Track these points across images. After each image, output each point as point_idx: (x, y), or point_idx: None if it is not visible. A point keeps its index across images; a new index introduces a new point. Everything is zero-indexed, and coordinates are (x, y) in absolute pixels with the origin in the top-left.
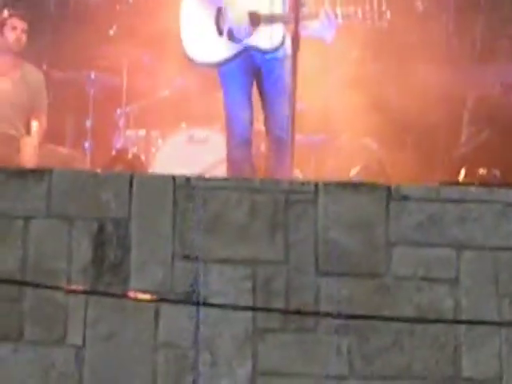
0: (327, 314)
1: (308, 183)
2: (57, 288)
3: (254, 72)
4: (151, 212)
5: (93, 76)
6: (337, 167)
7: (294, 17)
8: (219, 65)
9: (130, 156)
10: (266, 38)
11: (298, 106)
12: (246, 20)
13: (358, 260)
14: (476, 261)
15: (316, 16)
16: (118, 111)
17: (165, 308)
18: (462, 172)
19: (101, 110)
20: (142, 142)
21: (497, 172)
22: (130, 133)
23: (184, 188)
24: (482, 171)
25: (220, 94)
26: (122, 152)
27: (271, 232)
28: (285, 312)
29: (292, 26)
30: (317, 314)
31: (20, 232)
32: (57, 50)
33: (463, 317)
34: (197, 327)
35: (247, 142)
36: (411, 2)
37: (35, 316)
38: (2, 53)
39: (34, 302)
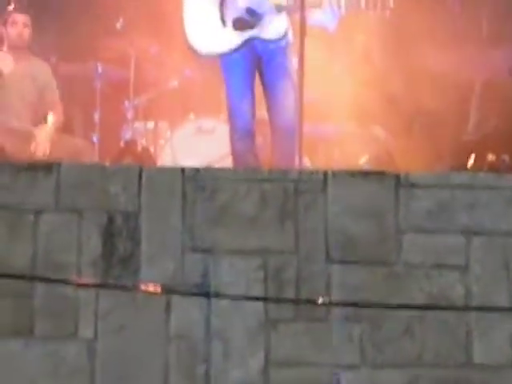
0: (338, 303)
1: (317, 172)
2: (67, 282)
3: (255, 62)
4: (160, 204)
5: (100, 68)
6: (345, 156)
7: (300, 4)
8: (223, 56)
9: (138, 148)
10: (271, 27)
11: (305, 94)
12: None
13: (368, 248)
14: (486, 247)
15: (319, 5)
16: (126, 103)
17: (176, 300)
18: (471, 158)
19: (109, 103)
20: (150, 134)
21: (506, 157)
22: (138, 125)
23: (193, 180)
24: (490, 157)
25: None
26: (131, 144)
27: (281, 222)
28: (296, 302)
29: (297, 15)
30: (328, 303)
31: (30, 226)
32: (63, 42)
33: (474, 304)
34: (208, 319)
35: (250, 134)
36: None
37: (46, 310)
38: (8, 48)
39: (44, 296)
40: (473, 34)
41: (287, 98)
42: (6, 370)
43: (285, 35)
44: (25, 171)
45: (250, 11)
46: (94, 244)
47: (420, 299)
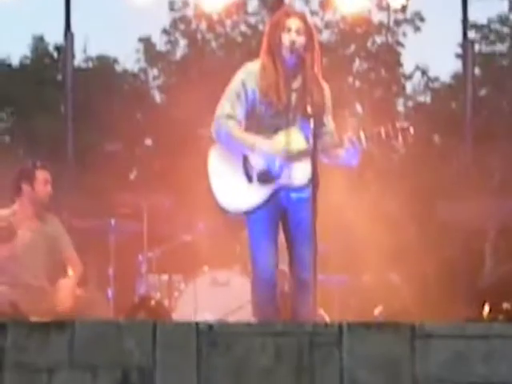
0: None
1: (332, 325)
2: None
3: (280, 213)
4: (175, 360)
5: (113, 222)
6: (361, 306)
7: (312, 155)
8: (253, 211)
9: (152, 303)
10: (295, 175)
11: (321, 246)
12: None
13: None
14: None
15: (341, 144)
16: (140, 257)
17: None
18: (486, 307)
19: (122, 256)
20: (164, 287)
21: None
22: (152, 278)
23: (207, 335)
24: (506, 305)
25: (240, 234)
26: (145, 299)
27: (296, 376)
28: None
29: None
30: None
31: None
32: (77, 198)
33: None
34: None
35: (272, 286)
36: (429, 136)
37: None
38: (27, 204)
39: None
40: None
41: (309, 252)
42: None
43: (310, 182)
44: (38, 329)
45: (273, 163)
46: None
47: None
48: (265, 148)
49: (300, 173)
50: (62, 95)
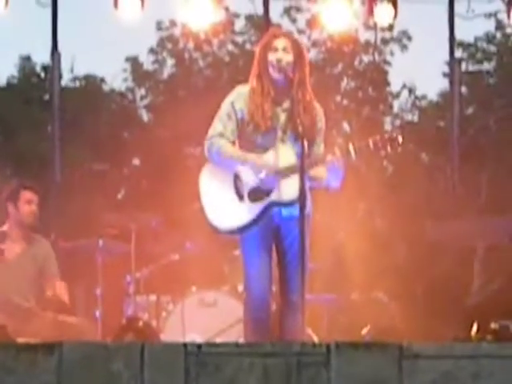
0: None
1: (320, 345)
2: None
3: (273, 232)
4: (164, 381)
5: (101, 243)
6: (349, 326)
7: (300, 172)
8: (243, 229)
9: (140, 324)
10: (285, 191)
11: (309, 266)
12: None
13: None
14: None
15: (322, 161)
16: (128, 277)
17: None
18: (475, 327)
19: (110, 277)
20: (152, 307)
21: (510, 324)
22: (140, 298)
23: (195, 355)
24: (494, 325)
25: (229, 254)
26: (133, 320)
27: None
28: None
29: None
30: None
31: None
32: (64, 218)
33: None
34: None
35: (265, 306)
36: (416, 154)
37: None
38: (14, 226)
39: None
40: (473, 202)
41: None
42: None
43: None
44: (26, 351)
45: (264, 180)
46: None
47: None
48: (256, 162)
49: (289, 188)
50: (49, 115)
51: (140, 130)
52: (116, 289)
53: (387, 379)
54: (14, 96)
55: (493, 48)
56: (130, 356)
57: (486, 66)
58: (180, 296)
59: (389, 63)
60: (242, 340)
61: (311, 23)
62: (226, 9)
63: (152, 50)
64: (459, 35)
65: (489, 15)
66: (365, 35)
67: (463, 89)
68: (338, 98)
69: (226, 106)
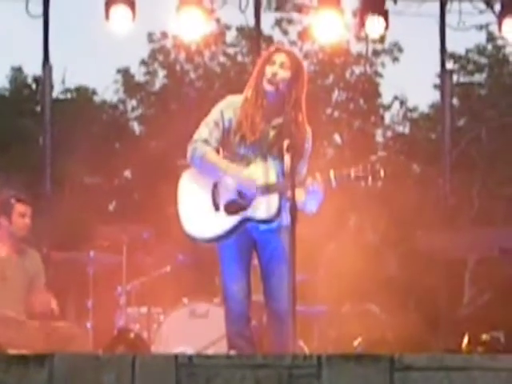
0: None
1: (311, 357)
2: None
3: (251, 245)
4: None
5: (92, 255)
6: (340, 337)
7: (291, 186)
8: (216, 240)
9: (131, 335)
10: (262, 208)
11: (298, 278)
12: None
13: None
14: None
15: (302, 183)
16: (119, 289)
17: None
18: (466, 338)
19: (101, 289)
20: (143, 319)
21: (501, 336)
22: (131, 310)
23: (187, 367)
24: (485, 337)
25: (219, 267)
26: (124, 332)
27: None
28: None
29: (288, 196)
30: None
31: None
32: (55, 230)
33: None
34: None
35: (244, 318)
36: (408, 165)
37: None
38: (6, 238)
39: None
40: (464, 213)
41: (283, 283)
42: None
43: (277, 215)
44: (17, 363)
45: (242, 194)
46: None
47: None
48: (237, 175)
49: (265, 206)
50: (41, 126)
51: (131, 141)
52: (107, 300)
53: None
54: (5, 107)
55: (484, 60)
56: (122, 368)
57: (477, 77)
58: (171, 307)
59: (380, 75)
60: (233, 352)
61: (302, 35)
62: (218, 20)
63: (143, 62)
64: (450, 47)
65: (480, 27)
66: (356, 47)
67: (454, 100)
68: (330, 110)
69: (215, 113)
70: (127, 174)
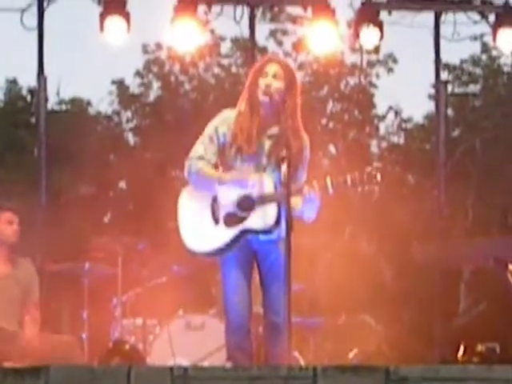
0: None
1: (307, 368)
2: None
3: (251, 256)
4: None
5: (87, 266)
6: (336, 349)
7: (286, 196)
8: (217, 253)
9: (127, 347)
10: (260, 218)
11: (295, 287)
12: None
13: None
14: None
15: (299, 191)
16: (114, 300)
17: None
18: (461, 349)
19: (96, 300)
20: (139, 331)
21: (496, 346)
22: (126, 322)
23: (182, 379)
24: (480, 348)
25: (216, 277)
26: (119, 343)
27: None
28: None
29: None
30: None
31: None
32: (50, 241)
33: None
34: None
35: (244, 329)
36: (403, 176)
37: None
38: None
39: None
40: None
41: (282, 294)
42: None
43: (275, 225)
44: (12, 375)
45: (240, 206)
46: None
47: None
48: (230, 178)
49: (264, 217)
50: (36, 138)
51: (126, 152)
52: (102, 312)
53: None
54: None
55: (478, 70)
56: (117, 379)
57: (472, 88)
58: (167, 319)
59: (375, 86)
60: (229, 364)
61: (297, 46)
62: (212, 31)
63: (138, 73)
64: (445, 58)
65: (474, 38)
66: (351, 58)
67: (449, 111)
68: (324, 121)
69: (209, 129)
70: (122, 185)
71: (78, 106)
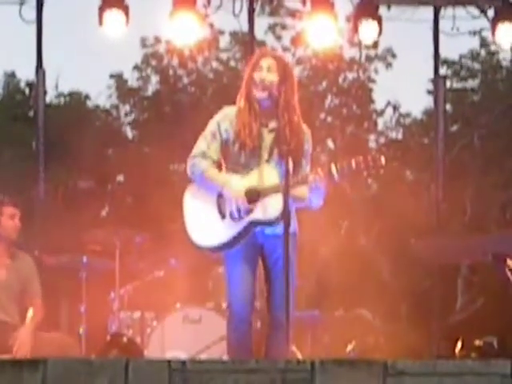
0: None
1: (304, 362)
2: None
3: (257, 251)
4: None
5: (85, 259)
6: (333, 342)
7: (286, 190)
8: (224, 247)
9: (124, 340)
10: (266, 210)
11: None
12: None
13: None
14: None
15: (305, 181)
16: (112, 294)
17: None
18: (459, 344)
19: (94, 293)
20: (136, 324)
21: (494, 341)
22: (124, 315)
23: (180, 372)
24: (478, 342)
25: (213, 271)
26: (117, 337)
27: None
28: None
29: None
30: None
31: None
32: (48, 235)
33: None
34: None
35: (246, 323)
36: (401, 171)
37: None
38: None
39: None
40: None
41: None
42: None
43: (280, 217)
44: (10, 367)
45: (247, 198)
46: None
47: None
48: (235, 186)
49: (271, 208)
50: (34, 131)
51: (124, 146)
52: (100, 305)
53: None
54: None
55: (477, 65)
56: (115, 372)
57: (471, 83)
58: (164, 312)
59: (373, 81)
60: (226, 357)
61: (296, 40)
62: (211, 25)
63: (136, 67)
64: (444, 53)
65: (473, 33)
66: (349, 52)
67: (447, 106)
68: (323, 115)
69: (211, 125)
70: (120, 178)
71: (76, 100)
